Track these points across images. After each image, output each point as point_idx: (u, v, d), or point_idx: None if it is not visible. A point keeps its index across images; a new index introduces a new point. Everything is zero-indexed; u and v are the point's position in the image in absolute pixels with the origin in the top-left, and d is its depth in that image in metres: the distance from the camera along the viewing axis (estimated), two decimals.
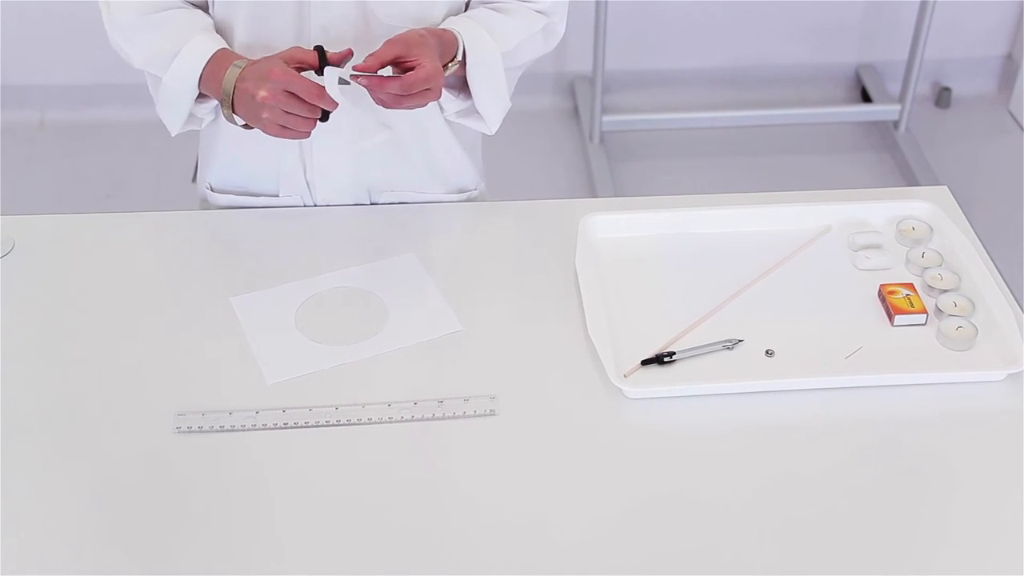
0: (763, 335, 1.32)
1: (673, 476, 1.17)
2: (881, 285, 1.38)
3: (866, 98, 3.40)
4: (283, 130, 1.32)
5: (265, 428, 1.20)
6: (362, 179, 1.52)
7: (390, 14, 1.40)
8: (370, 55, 1.31)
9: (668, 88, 3.40)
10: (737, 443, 1.20)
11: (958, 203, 1.55)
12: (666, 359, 1.28)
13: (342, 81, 1.33)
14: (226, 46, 1.40)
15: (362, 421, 1.21)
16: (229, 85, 1.33)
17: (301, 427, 1.20)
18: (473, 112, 1.46)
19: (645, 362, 1.28)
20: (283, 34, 1.40)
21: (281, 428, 1.20)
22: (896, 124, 3.24)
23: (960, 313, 1.35)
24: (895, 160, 3.21)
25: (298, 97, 1.29)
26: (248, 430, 1.20)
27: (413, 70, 1.30)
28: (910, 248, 1.46)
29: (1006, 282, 1.40)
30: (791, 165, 3.19)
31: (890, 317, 1.35)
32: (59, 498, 1.13)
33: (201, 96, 1.41)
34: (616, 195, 2.95)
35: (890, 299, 1.36)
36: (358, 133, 1.48)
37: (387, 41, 1.32)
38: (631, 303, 1.37)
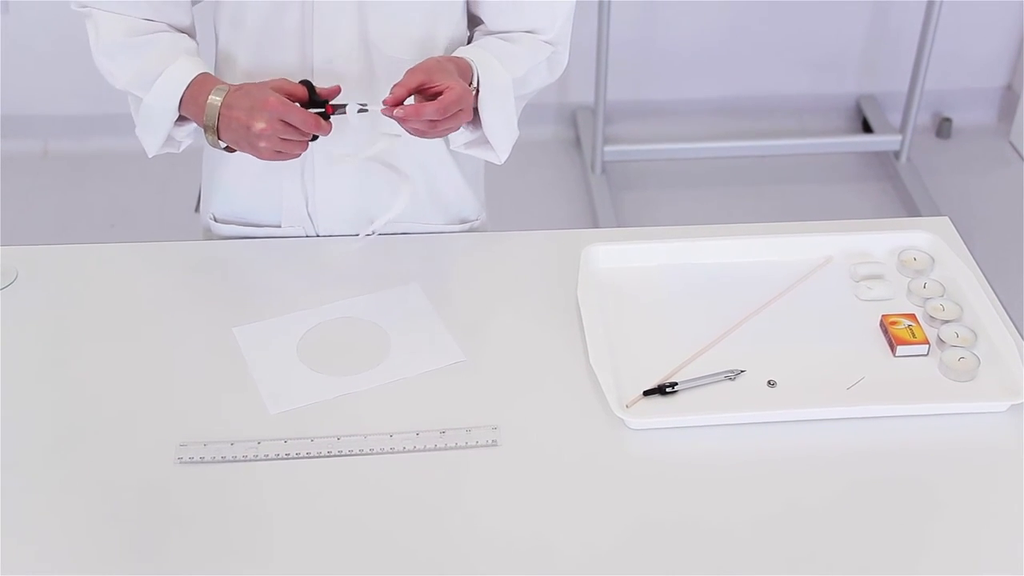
0: (765, 366, 1.32)
1: (675, 506, 1.17)
2: (883, 316, 1.39)
3: (867, 128, 3.41)
4: (277, 155, 1.33)
5: (267, 459, 1.20)
6: (364, 210, 1.52)
7: (393, 47, 1.41)
8: (396, 85, 1.30)
9: (670, 118, 3.41)
10: (739, 474, 1.20)
11: (959, 233, 1.55)
12: (668, 390, 1.28)
13: (361, 109, 1.34)
14: (208, 70, 1.40)
15: (364, 452, 1.21)
16: (213, 111, 1.34)
17: (303, 457, 1.20)
18: (483, 142, 1.45)
19: (647, 392, 1.28)
20: (286, 67, 1.41)
21: (283, 459, 1.20)
22: (897, 154, 3.25)
23: (962, 344, 1.35)
24: (896, 190, 3.22)
25: (293, 126, 1.30)
26: (250, 461, 1.20)
27: (440, 95, 1.30)
28: (912, 279, 1.46)
29: (1008, 313, 1.40)
30: (792, 195, 3.19)
31: (892, 348, 1.35)
32: (60, 527, 1.13)
33: (181, 118, 1.42)
34: (618, 225, 2.96)
35: (892, 330, 1.36)
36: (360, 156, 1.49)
37: (409, 71, 1.32)
38: (633, 333, 1.37)
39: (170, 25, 1.44)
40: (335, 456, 1.20)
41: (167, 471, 1.19)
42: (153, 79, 1.38)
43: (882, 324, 1.38)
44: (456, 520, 1.15)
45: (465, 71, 1.38)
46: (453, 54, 1.42)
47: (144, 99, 1.40)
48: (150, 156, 1.46)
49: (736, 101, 3.45)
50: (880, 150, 3.33)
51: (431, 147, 1.49)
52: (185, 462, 1.19)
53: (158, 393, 1.29)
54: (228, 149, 1.38)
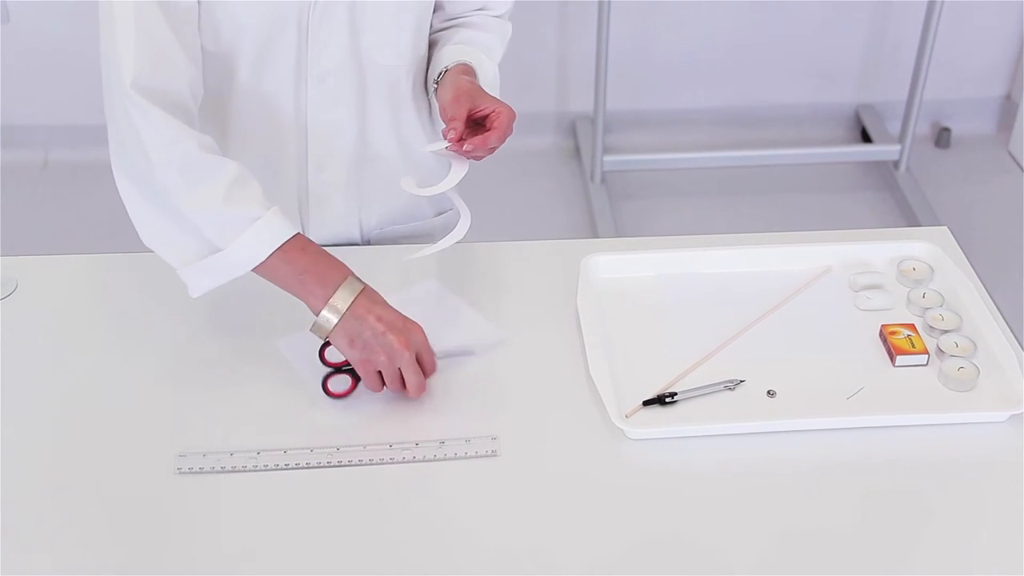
0: (765, 376, 1.32)
1: (674, 516, 1.17)
2: (882, 325, 1.39)
3: (866, 138, 3.42)
4: (375, 376, 1.26)
5: (266, 469, 1.20)
6: (354, 215, 1.54)
7: (386, 55, 1.43)
8: (452, 121, 1.34)
9: (669, 128, 3.42)
10: (739, 483, 1.20)
11: (958, 243, 1.55)
12: (668, 399, 1.28)
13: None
14: (299, 230, 1.30)
15: (363, 462, 1.21)
16: (349, 294, 1.25)
17: (302, 468, 1.20)
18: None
19: (647, 402, 1.28)
20: (284, 84, 1.41)
21: (282, 469, 1.20)
22: (896, 164, 3.26)
23: (961, 354, 1.35)
24: (895, 200, 3.22)
25: (414, 365, 1.26)
26: (249, 471, 1.19)
27: (487, 118, 1.35)
28: (911, 288, 1.46)
29: (1007, 322, 1.40)
30: (791, 205, 3.20)
31: (891, 358, 1.35)
32: (59, 537, 1.13)
33: None
34: (617, 234, 2.96)
35: (891, 339, 1.36)
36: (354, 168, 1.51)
37: (453, 100, 1.36)
38: (632, 343, 1.37)
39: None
40: (334, 466, 1.20)
41: (166, 481, 1.19)
42: (243, 226, 1.26)
43: (881, 334, 1.38)
44: (455, 530, 1.15)
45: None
46: (448, 58, 1.45)
47: (224, 248, 1.27)
48: (195, 296, 1.32)
49: (735, 111, 3.46)
50: (879, 160, 3.34)
51: (414, 148, 1.52)
52: (184, 472, 1.19)
53: (157, 403, 1.29)
54: (320, 333, 1.27)
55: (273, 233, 1.27)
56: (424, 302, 1.42)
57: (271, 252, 1.26)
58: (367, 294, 1.27)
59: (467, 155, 1.36)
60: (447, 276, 1.49)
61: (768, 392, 1.30)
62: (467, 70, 1.43)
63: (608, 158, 3.17)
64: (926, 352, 1.35)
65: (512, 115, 1.35)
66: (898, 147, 3.23)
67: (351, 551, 1.12)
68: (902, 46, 3.34)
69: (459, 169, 1.38)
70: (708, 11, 3.28)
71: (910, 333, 1.37)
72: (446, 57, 1.46)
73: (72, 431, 1.25)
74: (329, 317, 1.25)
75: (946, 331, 1.39)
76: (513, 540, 1.14)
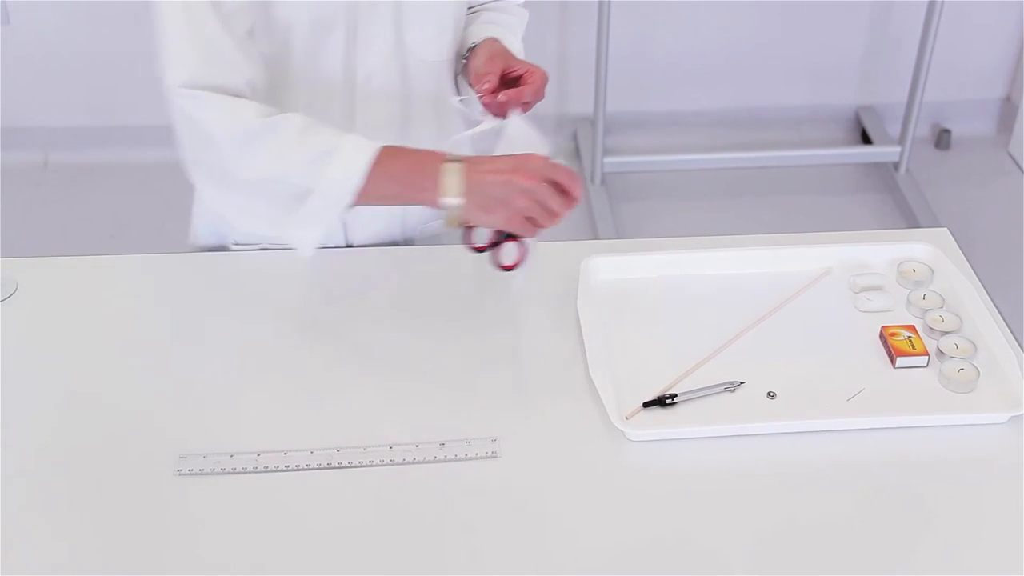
0: (765, 377, 1.32)
1: (675, 518, 1.17)
2: (882, 327, 1.39)
3: (866, 140, 3.42)
4: (527, 221, 1.26)
5: (267, 470, 1.20)
6: (397, 212, 1.56)
7: (429, 51, 1.45)
8: (487, 76, 1.38)
9: (669, 130, 3.42)
10: (739, 485, 1.20)
11: (958, 245, 1.55)
12: (668, 401, 1.28)
13: (461, 99, 1.42)
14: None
15: (363, 463, 1.21)
16: (455, 174, 1.24)
17: (303, 469, 1.20)
18: None
19: (647, 404, 1.28)
20: (333, 84, 1.41)
21: (283, 470, 1.20)
22: (896, 166, 3.26)
23: (962, 355, 1.35)
24: (895, 201, 3.22)
25: (554, 188, 1.24)
26: (249, 472, 1.19)
27: (520, 77, 1.39)
28: (911, 290, 1.46)
29: (1007, 324, 1.40)
30: (791, 206, 3.20)
31: (892, 359, 1.35)
32: (59, 538, 1.13)
33: None
34: (617, 236, 2.96)
35: (891, 341, 1.36)
36: None
37: (487, 60, 1.41)
38: (633, 345, 1.37)
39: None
40: (335, 468, 1.20)
41: (167, 482, 1.19)
42: (325, 157, 1.26)
43: (882, 335, 1.38)
44: (455, 532, 1.15)
45: None
46: (478, 36, 1.48)
47: (315, 186, 1.26)
48: (308, 254, 1.32)
49: (735, 112, 3.46)
50: (879, 161, 3.34)
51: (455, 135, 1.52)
52: (184, 474, 1.19)
53: (158, 404, 1.29)
54: (461, 225, 1.28)
55: (358, 153, 1.26)
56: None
57: (365, 171, 1.25)
58: (470, 162, 1.25)
59: (500, 108, 1.36)
60: (448, 276, 1.49)
61: (768, 394, 1.30)
62: (496, 41, 1.47)
63: (608, 159, 3.17)
64: (926, 354, 1.35)
65: (545, 77, 1.39)
66: (898, 149, 3.23)
67: (351, 552, 1.12)
68: (902, 48, 3.34)
69: (492, 122, 1.39)
70: (708, 13, 3.28)
71: (910, 335, 1.37)
72: (473, 35, 1.49)
73: (72, 433, 1.25)
74: (452, 203, 1.24)
75: (946, 332, 1.39)
76: (513, 541, 1.14)
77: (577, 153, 3.36)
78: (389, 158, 1.27)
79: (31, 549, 1.12)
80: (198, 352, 1.36)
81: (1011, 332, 1.39)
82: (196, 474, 1.19)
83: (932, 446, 1.25)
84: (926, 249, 1.52)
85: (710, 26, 3.31)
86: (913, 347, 1.35)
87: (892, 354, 1.35)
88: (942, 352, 1.36)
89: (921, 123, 3.34)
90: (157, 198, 3.10)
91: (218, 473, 1.19)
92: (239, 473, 1.19)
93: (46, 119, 3.32)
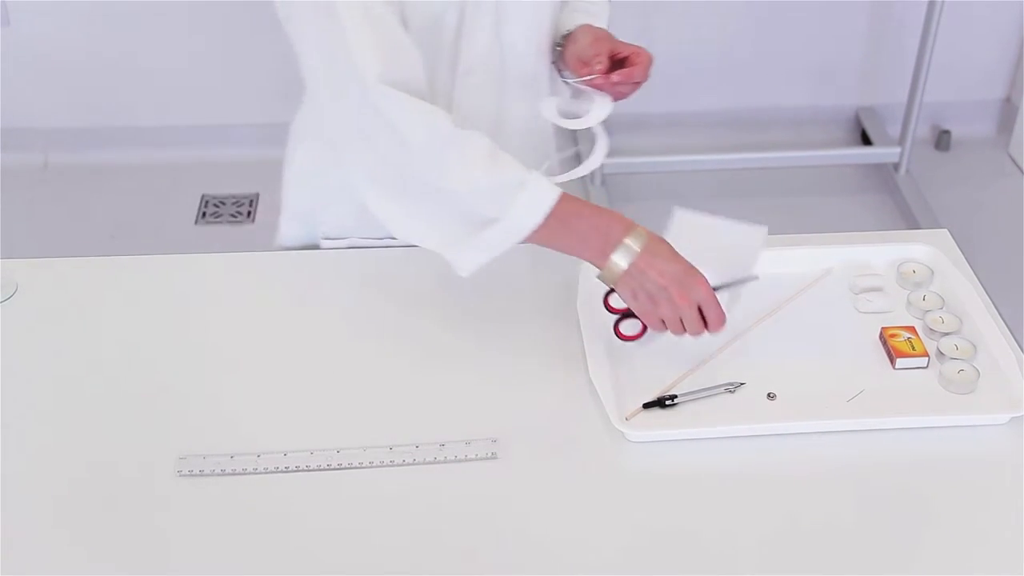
0: (765, 378, 1.32)
1: (675, 519, 1.17)
2: (882, 328, 1.39)
3: (866, 141, 3.42)
4: (658, 323, 1.29)
5: (266, 472, 1.20)
6: None
7: (526, 46, 1.46)
8: (597, 57, 1.42)
9: (670, 131, 3.42)
10: (739, 486, 1.20)
11: (959, 245, 1.55)
12: (668, 402, 1.28)
13: (578, 82, 1.43)
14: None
15: (363, 464, 1.21)
16: (629, 253, 1.26)
17: (302, 471, 1.20)
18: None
19: (647, 405, 1.28)
20: (438, 80, 1.40)
21: (282, 471, 1.20)
22: (896, 166, 3.26)
23: (962, 356, 1.35)
24: (895, 202, 3.22)
25: (700, 315, 1.27)
26: (249, 473, 1.19)
27: (627, 58, 1.43)
28: (911, 291, 1.46)
29: (1007, 325, 1.40)
30: (791, 207, 3.20)
31: (892, 360, 1.35)
32: (59, 539, 1.13)
33: None
34: None
35: (891, 342, 1.36)
36: None
37: (593, 42, 1.44)
38: (632, 346, 1.37)
39: None
40: (334, 469, 1.20)
41: (167, 483, 1.19)
42: (515, 190, 1.27)
43: (882, 336, 1.38)
44: (455, 532, 1.15)
45: None
46: (572, 24, 1.50)
47: (509, 212, 1.26)
48: (467, 275, 1.32)
49: (735, 113, 3.46)
50: (879, 162, 3.34)
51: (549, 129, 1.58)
52: (184, 475, 1.19)
53: (158, 405, 1.29)
54: (607, 282, 1.30)
55: (544, 195, 1.27)
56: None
57: (546, 214, 1.26)
58: (649, 248, 1.27)
59: (613, 88, 1.40)
60: (448, 278, 1.49)
61: (768, 395, 1.30)
62: (592, 26, 1.48)
63: (608, 160, 3.16)
64: (926, 355, 1.35)
65: (651, 58, 1.43)
66: (898, 149, 3.23)
67: (351, 552, 1.12)
68: (902, 48, 3.34)
69: (602, 104, 1.43)
70: (708, 14, 3.28)
71: (910, 336, 1.37)
72: (564, 23, 1.51)
73: (72, 434, 1.25)
74: (613, 271, 1.27)
75: (946, 333, 1.39)
76: (513, 542, 1.14)
77: (577, 154, 3.35)
78: (570, 211, 1.28)
79: (31, 549, 1.12)
80: (197, 353, 1.36)
81: (1011, 333, 1.39)
82: (196, 475, 1.19)
83: (932, 447, 1.25)
84: (926, 250, 1.52)
85: (710, 27, 3.31)
86: (913, 348, 1.35)
87: (892, 355, 1.35)
88: (942, 353, 1.36)
89: (921, 124, 3.34)
90: (156, 199, 3.11)
91: (218, 474, 1.19)
92: (239, 474, 1.19)
93: (46, 119, 3.33)
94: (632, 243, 1.27)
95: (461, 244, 1.30)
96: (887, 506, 1.18)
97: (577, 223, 1.29)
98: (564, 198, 1.28)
